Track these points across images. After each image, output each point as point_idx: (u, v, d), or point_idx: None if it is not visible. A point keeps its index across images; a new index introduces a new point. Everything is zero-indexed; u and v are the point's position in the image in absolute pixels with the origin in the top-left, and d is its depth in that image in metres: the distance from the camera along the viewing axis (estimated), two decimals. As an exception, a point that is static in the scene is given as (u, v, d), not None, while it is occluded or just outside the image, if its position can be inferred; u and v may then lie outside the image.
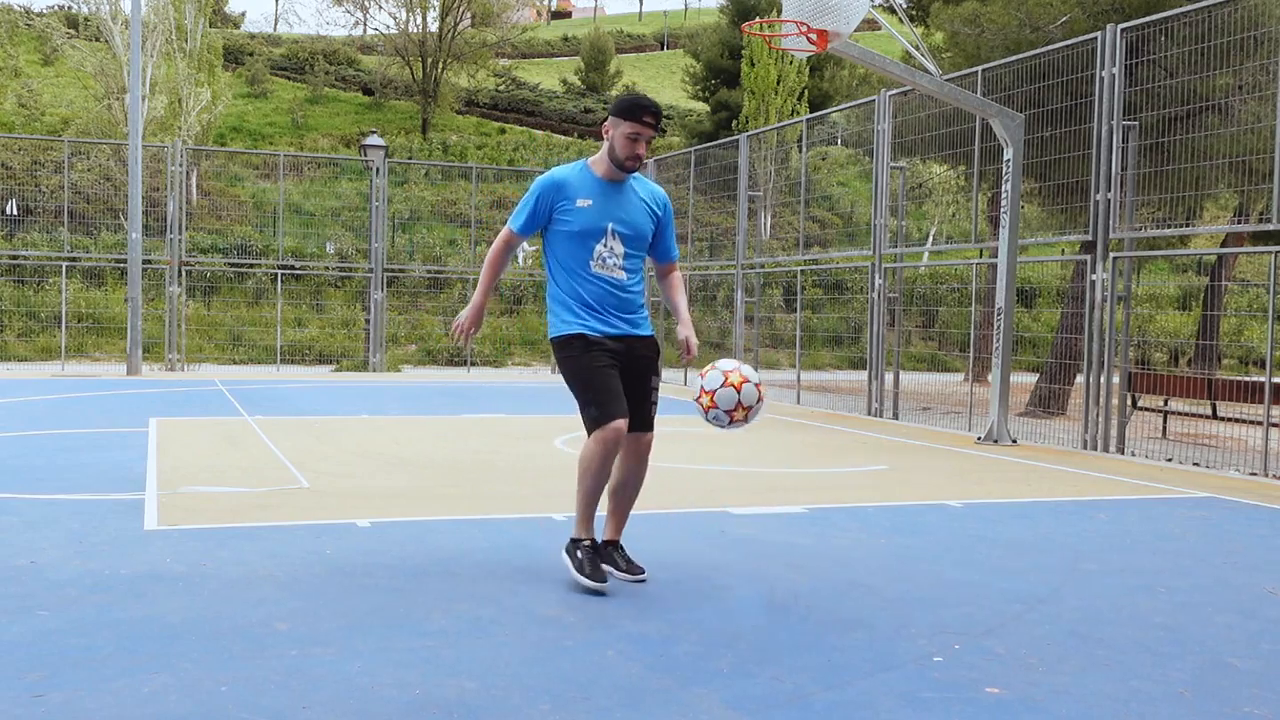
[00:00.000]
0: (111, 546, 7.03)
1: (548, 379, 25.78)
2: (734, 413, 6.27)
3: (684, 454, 12.56)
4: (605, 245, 6.26)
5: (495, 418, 13.33)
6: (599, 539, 6.55)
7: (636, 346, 6.36)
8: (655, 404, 6.46)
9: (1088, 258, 14.58)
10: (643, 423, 6.36)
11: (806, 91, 42.59)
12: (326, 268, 33.34)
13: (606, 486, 6.36)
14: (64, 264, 26.65)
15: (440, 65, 59.45)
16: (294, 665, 4.76)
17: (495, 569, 6.66)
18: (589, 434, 6.14)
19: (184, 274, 26.21)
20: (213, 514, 8.23)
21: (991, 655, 5.11)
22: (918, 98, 17.77)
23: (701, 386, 6.29)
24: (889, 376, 18.44)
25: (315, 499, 9.06)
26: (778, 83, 41.73)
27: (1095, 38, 14.42)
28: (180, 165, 26.14)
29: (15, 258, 30.11)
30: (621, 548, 6.58)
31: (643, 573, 6.44)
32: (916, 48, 14.59)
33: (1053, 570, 6.95)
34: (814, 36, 13.16)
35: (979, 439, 14.70)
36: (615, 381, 6.19)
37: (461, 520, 8.23)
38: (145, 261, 25.33)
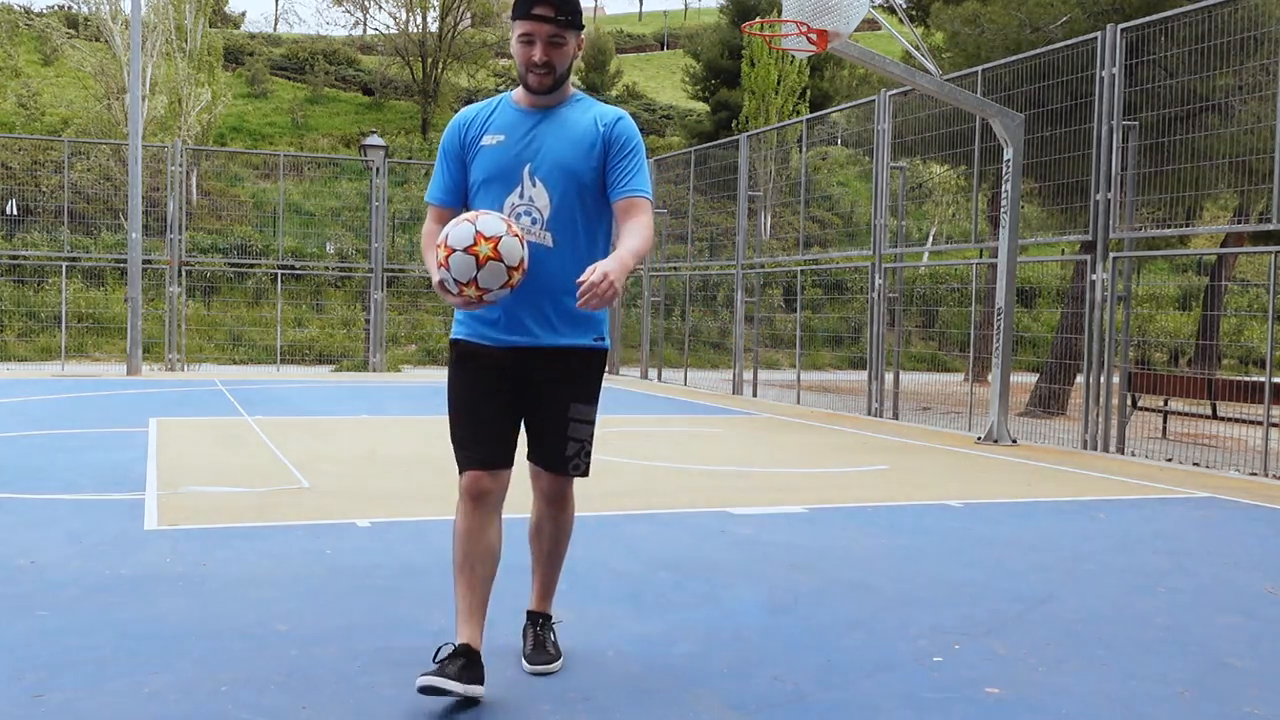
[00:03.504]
0: (112, 546, 7.02)
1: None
2: (465, 288, 4.11)
3: (683, 454, 12.56)
4: (521, 195, 4.49)
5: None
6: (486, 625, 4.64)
7: (540, 363, 4.57)
8: (579, 440, 4.68)
9: (1088, 258, 14.59)
10: (547, 459, 4.69)
11: (807, 91, 42.59)
12: (326, 268, 33.36)
13: (529, 533, 4.92)
14: (64, 264, 26.62)
15: (440, 65, 59.30)
16: (294, 665, 4.76)
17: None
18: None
19: (184, 274, 26.16)
20: (213, 514, 8.23)
21: (992, 655, 5.11)
22: (918, 98, 17.77)
23: (445, 234, 4.19)
24: (889, 376, 18.44)
25: (315, 499, 9.06)
26: (778, 83, 41.73)
27: (1095, 38, 14.43)
28: (180, 165, 26.06)
29: (15, 258, 30.12)
30: (545, 620, 4.96)
31: (558, 658, 4.83)
32: (916, 48, 14.60)
33: (1053, 570, 6.94)
34: (814, 36, 13.17)
35: (979, 439, 14.70)
36: (488, 417, 4.54)
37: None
38: (145, 261, 25.28)
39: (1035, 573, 6.86)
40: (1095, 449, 14.15)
